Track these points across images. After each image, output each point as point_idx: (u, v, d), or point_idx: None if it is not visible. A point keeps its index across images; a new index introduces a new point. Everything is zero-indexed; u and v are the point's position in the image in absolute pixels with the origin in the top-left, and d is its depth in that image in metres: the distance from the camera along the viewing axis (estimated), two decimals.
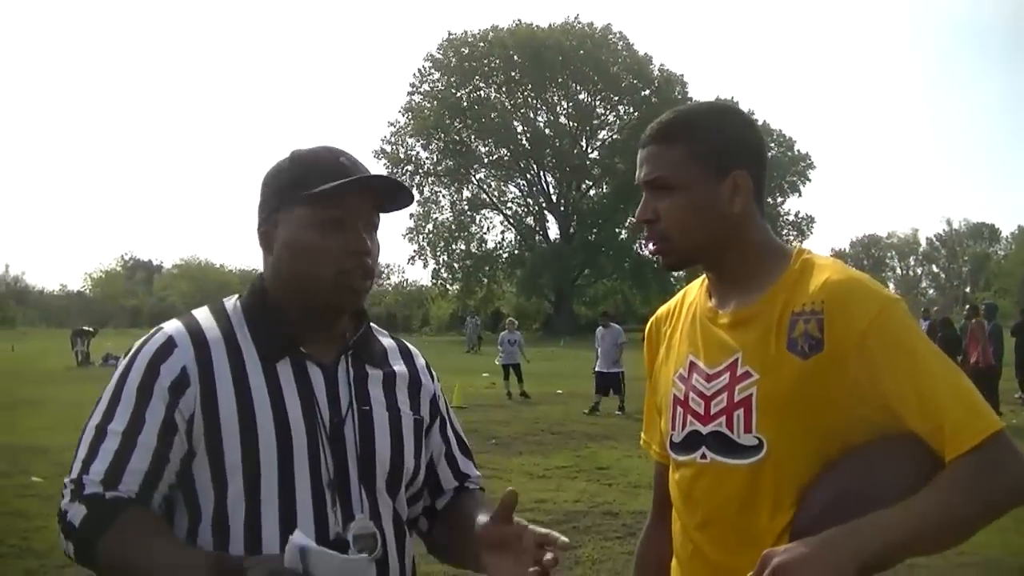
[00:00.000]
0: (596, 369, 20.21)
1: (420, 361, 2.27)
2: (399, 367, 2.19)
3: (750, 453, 1.94)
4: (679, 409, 2.09)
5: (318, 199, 1.96)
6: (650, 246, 2.10)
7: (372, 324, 2.19)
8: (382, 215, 2.10)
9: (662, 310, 2.32)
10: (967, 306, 21.53)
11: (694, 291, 2.21)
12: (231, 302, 2.10)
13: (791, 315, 1.94)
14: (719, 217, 2.01)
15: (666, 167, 2.02)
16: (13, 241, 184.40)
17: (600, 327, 21.15)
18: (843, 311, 1.88)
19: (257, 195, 2.10)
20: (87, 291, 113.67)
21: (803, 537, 1.75)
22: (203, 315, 2.05)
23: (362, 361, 2.11)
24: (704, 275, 2.18)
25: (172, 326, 2.02)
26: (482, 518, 1.97)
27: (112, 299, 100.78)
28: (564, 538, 1.83)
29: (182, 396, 1.91)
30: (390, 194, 2.08)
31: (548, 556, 1.79)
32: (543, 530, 1.84)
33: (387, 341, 2.23)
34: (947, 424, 1.79)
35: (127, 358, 1.99)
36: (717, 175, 2.00)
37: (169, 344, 1.96)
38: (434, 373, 2.31)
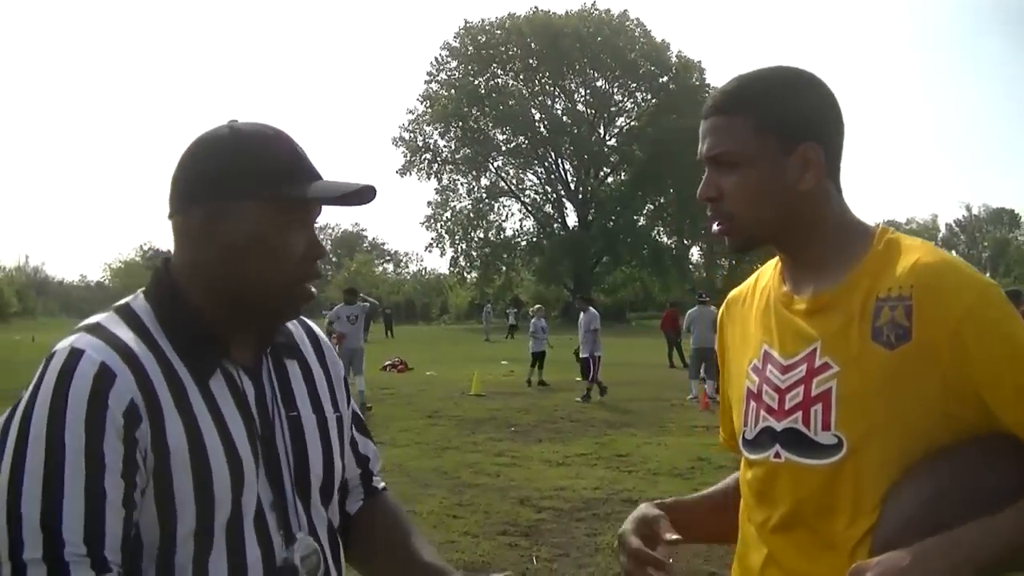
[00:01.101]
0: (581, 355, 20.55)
1: (324, 339, 2.09)
2: (311, 354, 2.00)
3: (829, 453, 1.76)
4: (752, 404, 1.93)
5: (291, 201, 1.75)
6: (714, 226, 1.91)
7: None
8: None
9: (734, 293, 2.14)
10: (1006, 291, 21.46)
11: (767, 274, 2.04)
12: (138, 303, 1.82)
13: (876, 301, 1.76)
14: (788, 194, 1.83)
15: (730, 141, 1.84)
16: (33, 232, 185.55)
17: (581, 313, 21.36)
18: (935, 297, 1.70)
19: (179, 170, 1.82)
20: (106, 281, 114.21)
21: (887, 545, 1.62)
22: (118, 327, 1.73)
23: (279, 354, 1.91)
24: (776, 257, 2.01)
25: (94, 347, 1.66)
26: (426, 556, 1.91)
27: (131, 289, 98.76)
28: None
29: (136, 430, 1.62)
30: (348, 198, 1.80)
31: None
32: None
33: (290, 323, 2.00)
34: None
35: (46, 392, 1.60)
36: (785, 149, 1.82)
37: (106, 371, 1.62)
38: (333, 349, 2.12)
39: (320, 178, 1.81)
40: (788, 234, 1.89)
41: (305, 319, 2.08)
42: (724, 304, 2.16)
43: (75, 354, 1.64)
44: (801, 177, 1.83)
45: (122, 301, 1.83)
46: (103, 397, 1.60)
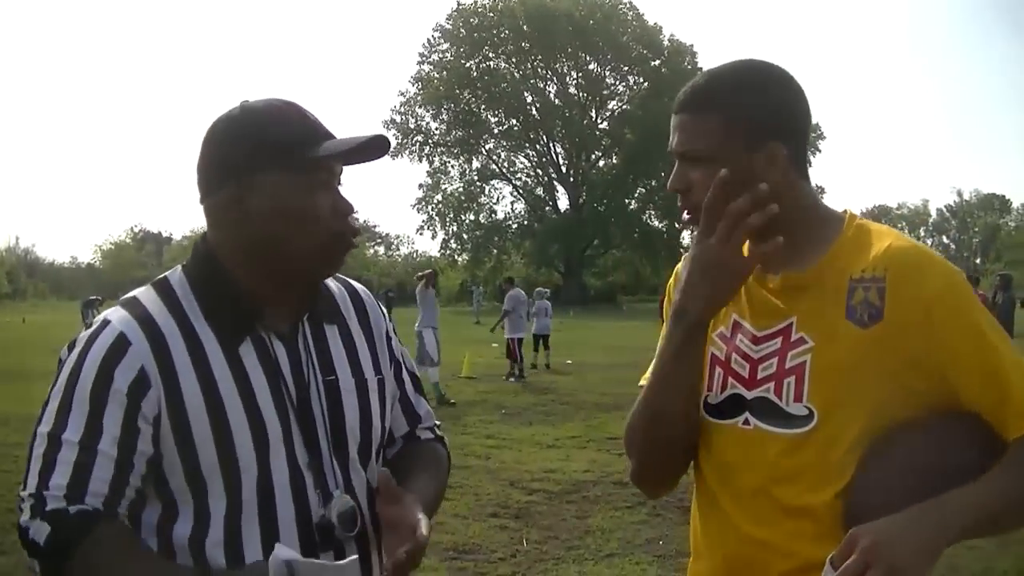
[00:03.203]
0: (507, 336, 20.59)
1: (369, 300, 2.18)
2: (352, 316, 2.10)
3: (799, 423, 1.86)
4: (718, 370, 2.00)
5: (308, 164, 1.86)
6: (684, 216, 1.98)
7: None
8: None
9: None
10: (998, 275, 21.55)
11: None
12: (176, 276, 1.94)
13: (849, 282, 1.86)
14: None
15: (698, 139, 1.91)
16: (24, 213, 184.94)
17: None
18: (908, 280, 1.81)
19: (203, 156, 1.93)
20: (97, 263, 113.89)
21: (864, 510, 1.71)
22: (149, 299, 1.88)
23: (318, 320, 2.01)
24: None
25: (119, 318, 1.83)
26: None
27: (122, 271, 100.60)
28: (423, 531, 1.82)
29: (143, 398, 1.76)
30: (359, 150, 1.93)
31: (400, 551, 1.78)
32: (416, 517, 1.83)
33: (333, 285, 2.10)
34: (1012, 402, 1.76)
35: (75, 355, 1.81)
36: (752, 147, 1.89)
37: (121, 342, 1.78)
38: (382, 308, 2.21)
39: (332, 138, 1.92)
40: None
41: (348, 279, 2.19)
42: (675, 274, 2.15)
43: (102, 324, 1.83)
44: (767, 172, 1.89)
45: (162, 275, 1.97)
46: (110, 369, 1.76)
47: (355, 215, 1.95)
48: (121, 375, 1.76)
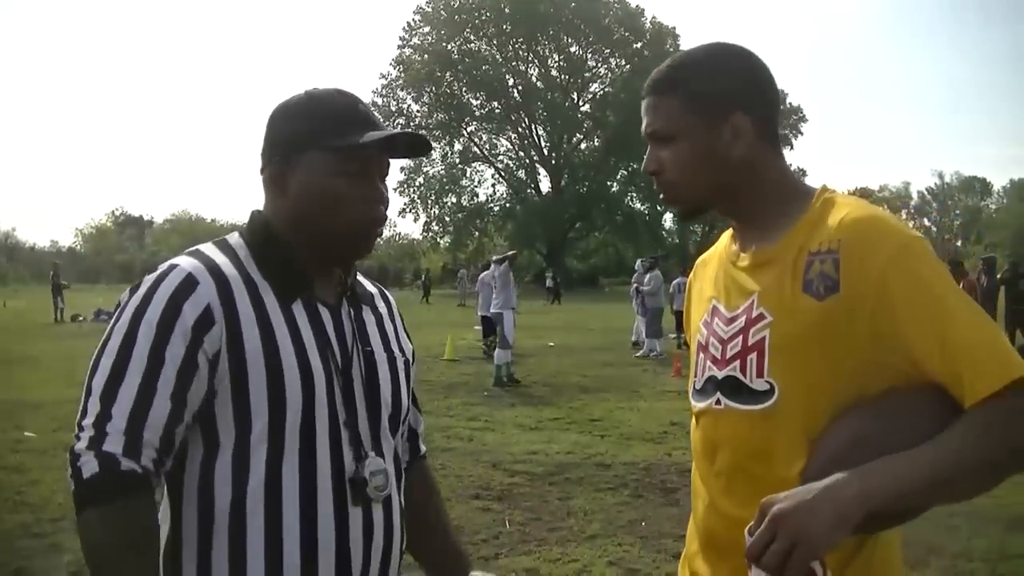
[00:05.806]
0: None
1: (394, 305, 2.35)
2: (383, 309, 2.26)
3: (762, 398, 1.86)
4: (700, 355, 2.04)
5: (347, 150, 1.99)
6: (661, 197, 2.06)
7: None
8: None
9: (702, 257, 2.26)
10: (982, 259, 21.67)
11: (726, 237, 2.15)
12: (234, 239, 2.07)
13: (807, 255, 1.85)
14: (721, 164, 1.95)
15: (662, 118, 1.98)
16: (2, 197, 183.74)
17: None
18: (860, 250, 1.78)
19: (264, 133, 2.09)
20: (78, 247, 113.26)
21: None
22: (213, 252, 2.01)
23: (358, 302, 2.16)
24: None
25: (187, 262, 1.94)
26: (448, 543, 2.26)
27: (103, 255, 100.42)
28: None
29: (207, 334, 1.86)
30: (404, 144, 2.10)
31: None
32: None
33: (367, 282, 2.28)
34: (967, 369, 1.68)
35: (141, 293, 1.90)
36: (712, 121, 1.94)
37: (191, 280, 1.89)
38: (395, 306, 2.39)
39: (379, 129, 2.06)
40: (728, 199, 2.02)
41: (376, 283, 2.36)
42: (693, 269, 2.27)
43: (170, 267, 1.94)
44: (732, 146, 1.95)
45: (221, 237, 2.11)
46: (179, 302, 1.87)
47: (383, 206, 2.07)
48: (190, 308, 1.86)
